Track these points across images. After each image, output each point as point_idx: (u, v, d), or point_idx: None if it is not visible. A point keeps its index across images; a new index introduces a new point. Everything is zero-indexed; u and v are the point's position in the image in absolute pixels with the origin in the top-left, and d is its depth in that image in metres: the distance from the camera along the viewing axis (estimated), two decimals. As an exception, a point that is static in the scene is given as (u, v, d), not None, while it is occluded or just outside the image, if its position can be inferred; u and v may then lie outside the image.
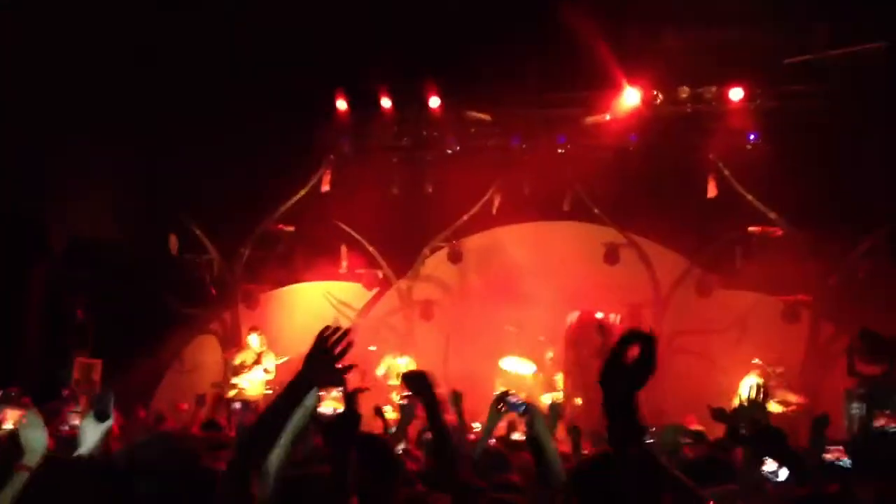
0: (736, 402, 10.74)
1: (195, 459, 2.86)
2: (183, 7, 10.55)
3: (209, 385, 12.34)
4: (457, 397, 5.92)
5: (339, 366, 2.79)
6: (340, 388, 4.19)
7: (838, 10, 9.85)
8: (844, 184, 10.66)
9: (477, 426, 10.56)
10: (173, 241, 13.17)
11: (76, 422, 6.25)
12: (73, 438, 5.51)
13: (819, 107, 11.06)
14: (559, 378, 11.49)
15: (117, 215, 12.29)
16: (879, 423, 6.70)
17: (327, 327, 2.82)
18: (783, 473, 3.93)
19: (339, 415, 3.37)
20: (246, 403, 11.57)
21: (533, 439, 3.91)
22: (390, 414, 8.13)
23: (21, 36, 10.11)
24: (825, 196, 10.80)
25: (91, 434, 3.33)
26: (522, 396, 4.88)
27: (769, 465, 3.98)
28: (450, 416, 5.75)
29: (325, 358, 2.77)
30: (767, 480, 3.94)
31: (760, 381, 10.75)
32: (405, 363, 12.17)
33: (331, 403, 4.22)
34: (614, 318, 11.45)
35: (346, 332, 2.78)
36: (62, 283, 12.31)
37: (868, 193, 10.47)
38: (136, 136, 12.17)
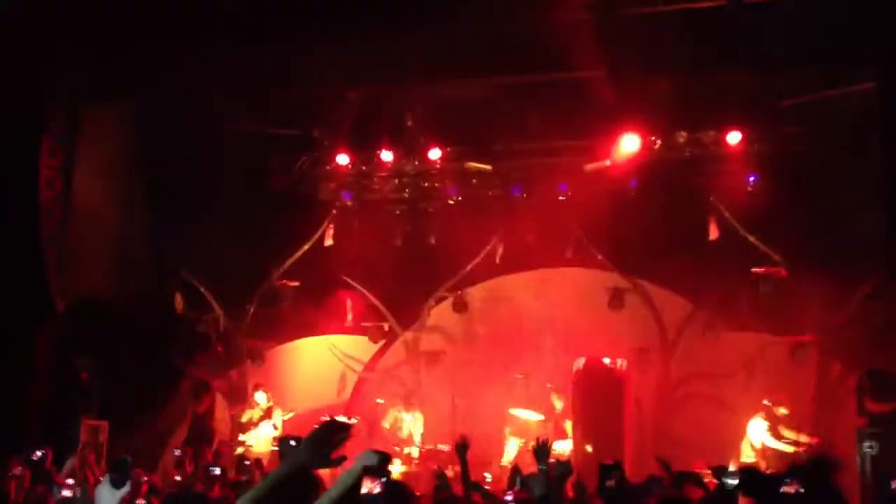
0: (744, 446, 10.69)
1: None
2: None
3: (217, 443, 12.24)
4: (461, 448, 5.78)
5: (333, 456, 2.87)
6: (384, 478, 4.28)
7: (828, 51, 9.97)
8: (843, 224, 10.70)
9: (488, 476, 10.45)
10: (178, 300, 13.18)
11: (67, 493, 6.18)
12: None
13: (815, 148, 11.16)
14: (569, 425, 11.39)
15: (122, 274, 12.30)
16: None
17: (334, 420, 2.93)
18: None
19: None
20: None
21: (541, 500, 3.84)
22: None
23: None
24: (827, 236, 10.83)
25: (107, 500, 3.31)
26: (531, 445, 4.84)
27: None
28: (456, 467, 5.71)
29: (324, 446, 2.85)
30: None
31: (766, 422, 10.66)
32: (410, 418, 12.11)
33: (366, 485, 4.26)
34: (621, 364, 11.39)
35: (349, 428, 2.88)
36: (67, 343, 12.27)
37: (867, 233, 10.48)
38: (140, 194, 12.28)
